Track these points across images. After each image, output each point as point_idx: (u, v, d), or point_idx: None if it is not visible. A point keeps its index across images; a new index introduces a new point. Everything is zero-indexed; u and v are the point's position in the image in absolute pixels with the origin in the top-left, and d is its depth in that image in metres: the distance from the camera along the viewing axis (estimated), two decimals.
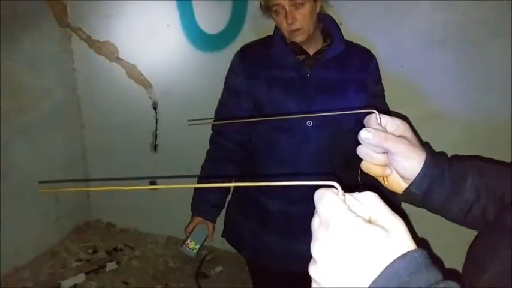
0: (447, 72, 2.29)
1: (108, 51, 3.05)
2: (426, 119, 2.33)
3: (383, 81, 1.80)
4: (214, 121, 1.83)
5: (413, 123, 1.35)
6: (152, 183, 3.14)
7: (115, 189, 0.53)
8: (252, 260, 1.89)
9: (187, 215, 1.81)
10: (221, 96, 1.81)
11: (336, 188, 0.47)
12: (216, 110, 1.83)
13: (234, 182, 1.78)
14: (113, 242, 3.30)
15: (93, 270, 2.95)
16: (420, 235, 1.66)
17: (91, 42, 3.08)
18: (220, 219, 1.88)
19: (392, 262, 0.42)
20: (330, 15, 1.72)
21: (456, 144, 2.19)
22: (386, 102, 1.82)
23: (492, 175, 0.79)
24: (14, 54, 2.69)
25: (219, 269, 3.06)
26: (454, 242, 1.38)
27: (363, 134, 0.69)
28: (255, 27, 2.59)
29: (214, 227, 1.79)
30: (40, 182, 2.49)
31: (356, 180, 1.75)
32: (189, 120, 1.57)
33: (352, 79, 1.64)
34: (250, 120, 1.68)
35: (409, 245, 0.44)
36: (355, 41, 1.80)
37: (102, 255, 3.16)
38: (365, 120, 0.74)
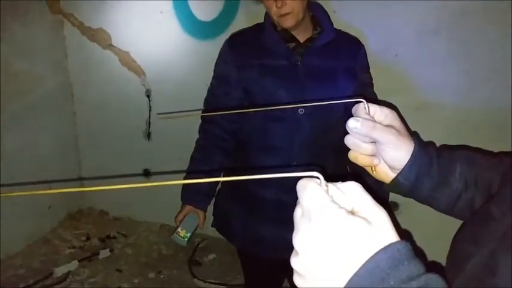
0: (440, 61, 2.29)
1: (101, 38, 3.03)
2: (419, 108, 2.33)
3: (376, 70, 1.79)
4: (187, 114, 1.82)
5: (406, 112, 1.36)
6: (146, 172, 3.15)
7: (90, 190, 0.52)
8: (243, 249, 1.89)
9: (180, 203, 1.80)
10: (210, 85, 1.79)
11: (319, 179, 0.47)
12: (205, 98, 1.82)
13: (224, 171, 1.77)
14: (106, 230, 3.31)
15: (86, 258, 2.96)
16: (406, 226, 1.67)
17: (84, 28, 3.05)
18: (212, 208, 1.88)
19: (375, 254, 0.41)
20: (319, 4, 1.71)
21: (449, 133, 2.19)
22: (380, 91, 1.81)
23: (480, 165, 0.79)
24: (5, 41, 2.66)
25: (212, 256, 3.07)
26: (440, 233, 1.38)
27: (351, 123, 0.68)
28: (249, 15, 2.57)
29: (205, 216, 1.79)
30: (2, 185, 2.49)
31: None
32: (158, 114, 1.55)
33: (342, 67, 1.64)
34: (227, 112, 1.65)
35: (392, 236, 0.43)
36: (347, 29, 1.79)
37: (95, 242, 3.16)
38: (353, 110, 0.73)
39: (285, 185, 1.63)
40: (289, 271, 1.59)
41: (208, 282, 2.81)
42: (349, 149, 0.76)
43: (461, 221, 0.78)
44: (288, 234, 1.55)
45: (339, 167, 1.70)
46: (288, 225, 1.63)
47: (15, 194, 0.55)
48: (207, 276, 2.86)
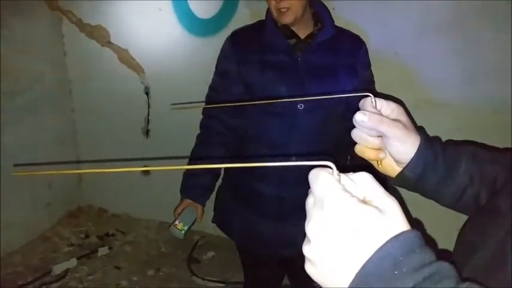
0: (440, 59, 2.29)
1: (99, 35, 3.02)
2: (419, 106, 2.34)
3: (376, 68, 1.80)
4: (201, 105, 1.83)
5: (409, 112, 1.36)
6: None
7: (92, 171, 0.52)
8: (242, 245, 1.90)
9: (179, 200, 1.80)
10: (212, 81, 1.80)
11: (331, 168, 0.47)
12: (206, 94, 1.82)
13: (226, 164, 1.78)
14: (105, 227, 3.30)
15: (85, 255, 2.96)
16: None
17: (82, 25, 3.05)
18: (211, 205, 1.89)
19: (387, 242, 0.42)
20: (320, 0, 1.72)
21: (449, 131, 2.19)
22: (379, 88, 1.82)
23: (485, 160, 0.80)
24: (4, 38, 2.65)
25: (211, 254, 3.07)
26: (446, 227, 1.39)
27: (358, 117, 0.69)
28: (248, 12, 2.58)
29: (203, 210, 1.79)
30: (15, 165, 2.47)
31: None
32: (172, 104, 1.55)
33: (343, 64, 1.65)
34: (236, 104, 1.67)
35: (403, 225, 0.44)
36: (347, 27, 1.79)
37: (94, 240, 3.16)
38: (360, 104, 0.73)
39: (284, 181, 1.64)
40: (289, 268, 1.59)
41: (207, 280, 2.81)
42: (349, 145, 0.76)
43: (465, 218, 0.78)
44: (288, 231, 1.55)
45: (339, 163, 1.70)
46: (287, 222, 1.63)
47: (25, 173, 0.56)
48: (205, 273, 2.87)
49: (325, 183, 0.46)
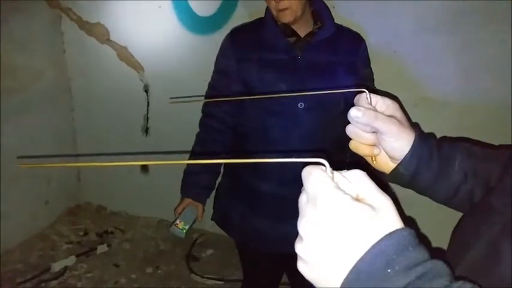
0: (439, 58, 2.29)
1: (99, 32, 3.02)
2: (418, 105, 2.34)
3: (376, 66, 1.79)
4: (199, 101, 1.83)
5: (404, 108, 1.36)
6: (144, 167, 3.14)
7: (98, 165, 0.52)
8: (241, 243, 1.90)
9: (178, 198, 1.80)
10: (211, 79, 1.80)
11: (324, 166, 0.47)
12: (206, 92, 1.82)
13: (225, 163, 1.78)
14: (104, 225, 3.30)
15: (84, 253, 2.96)
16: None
17: (82, 23, 3.04)
18: (211, 203, 1.89)
19: (380, 240, 0.42)
20: None
21: (447, 130, 2.19)
22: (378, 86, 1.82)
23: (480, 157, 0.79)
24: (4, 35, 2.65)
25: (209, 251, 3.07)
26: (440, 225, 1.38)
27: (353, 113, 0.68)
28: (248, 10, 2.57)
29: (203, 209, 1.79)
30: (18, 157, 2.45)
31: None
32: (170, 98, 1.55)
33: (343, 62, 1.64)
34: (234, 99, 1.67)
35: (397, 223, 0.44)
36: (347, 25, 1.79)
37: (93, 237, 3.16)
38: (355, 100, 0.73)
39: (283, 179, 1.64)
40: (288, 266, 1.59)
41: (206, 278, 2.81)
42: (348, 142, 0.76)
43: (459, 215, 0.78)
44: (287, 228, 1.55)
45: (335, 160, 1.70)
46: (286, 219, 1.62)
47: (27, 165, 0.57)
48: (204, 271, 2.87)
49: (318, 180, 0.45)
